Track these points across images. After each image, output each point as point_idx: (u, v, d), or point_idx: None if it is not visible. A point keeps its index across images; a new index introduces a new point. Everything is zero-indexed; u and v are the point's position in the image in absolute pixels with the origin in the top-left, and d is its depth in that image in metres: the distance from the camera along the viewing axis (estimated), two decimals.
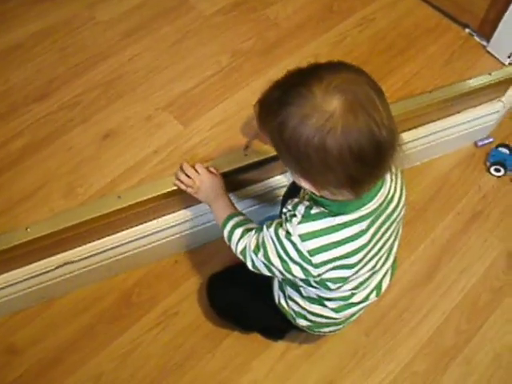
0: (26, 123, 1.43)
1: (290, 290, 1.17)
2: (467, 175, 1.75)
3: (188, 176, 1.27)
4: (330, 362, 1.42)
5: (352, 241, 0.95)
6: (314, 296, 1.11)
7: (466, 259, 1.59)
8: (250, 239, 1.07)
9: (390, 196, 0.99)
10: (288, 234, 0.95)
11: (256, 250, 1.04)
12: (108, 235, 1.39)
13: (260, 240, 1.03)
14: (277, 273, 1.03)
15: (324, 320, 1.17)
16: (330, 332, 1.25)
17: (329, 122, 0.76)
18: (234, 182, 1.37)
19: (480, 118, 1.69)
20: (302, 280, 1.03)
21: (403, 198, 1.04)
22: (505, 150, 1.77)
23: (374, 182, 0.90)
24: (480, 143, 1.79)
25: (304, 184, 0.89)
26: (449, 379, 1.42)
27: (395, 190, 1.00)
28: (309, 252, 0.94)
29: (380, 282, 1.16)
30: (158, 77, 1.52)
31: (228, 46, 1.60)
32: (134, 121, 1.44)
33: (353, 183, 0.83)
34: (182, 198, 1.36)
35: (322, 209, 0.94)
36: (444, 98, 1.52)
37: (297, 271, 0.98)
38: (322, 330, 1.23)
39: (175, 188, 1.30)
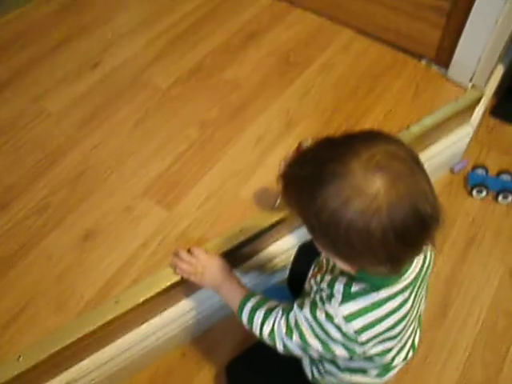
0: None
1: (326, 365, 1.09)
2: (451, 203, 1.74)
3: (188, 263, 1.18)
4: None
5: (396, 312, 0.90)
6: (354, 367, 1.04)
7: (472, 288, 1.56)
8: (278, 321, 0.99)
9: (424, 258, 0.95)
10: (329, 316, 0.88)
11: (289, 333, 0.95)
12: (109, 343, 1.26)
13: (292, 322, 0.95)
14: (314, 354, 0.96)
15: None
16: None
17: (373, 204, 0.71)
18: (233, 259, 1.28)
19: (453, 145, 1.69)
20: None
21: (432, 252, 0.99)
22: (481, 171, 1.78)
23: (414, 258, 0.87)
24: (456, 169, 1.79)
25: (339, 263, 0.83)
26: None
27: (426, 252, 0.96)
28: (355, 332, 0.87)
29: (414, 339, 1.11)
30: (127, 163, 1.43)
31: (194, 117, 1.53)
32: (113, 215, 1.33)
33: (393, 262, 0.78)
34: (183, 288, 1.27)
35: (362, 285, 0.87)
36: (421, 133, 1.51)
37: (340, 351, 0.91)
38: None
39: (175, 280, 1.21)
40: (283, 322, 0.98)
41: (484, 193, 1.73)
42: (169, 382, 1.38)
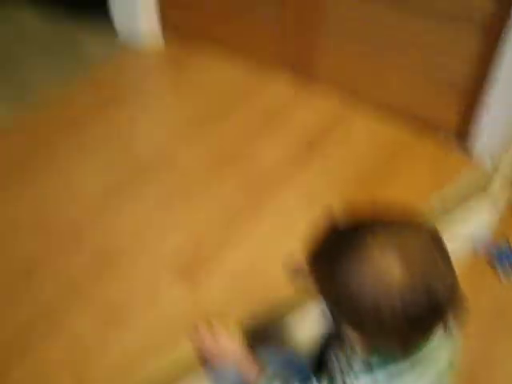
0: None
1: None
2: (476, 282, 1.68)
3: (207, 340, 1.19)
4: None
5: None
6: None
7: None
8: None
9: (448, 333, 0.91)
10: None
11: None
12: None
13: None
14: None
15: None
16: None
17: (386, 287, 0.74)
18: (252, 336, 1.27)
19: (477, 224, 1.69)
20: None
21: (459, 335, 0.95)
22: (508, 251, 1.73)
23: (425, 340, 0.85)
24: (481, 250, 1.75)
25: (352, 338, 0.84)
26: None
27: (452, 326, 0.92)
28: None
29: None
30: (151, 236, 1.46)
31: (217, 199, 1.56)
32: (135, 292, 1.34)
33: (403, 342, 0.81)
34: (200, 365, 1.23)
35: (380, 357, 0.86)
36: (442, 210, 1.52)
37: None
38: None
39: (194, 356, 1.20)
40: None
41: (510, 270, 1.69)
42: None
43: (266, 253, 1.42)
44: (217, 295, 1.33)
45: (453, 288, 0.78)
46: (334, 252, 0.79)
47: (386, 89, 1.80)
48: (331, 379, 0.91)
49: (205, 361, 1.21)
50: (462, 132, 1.69)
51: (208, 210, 1.53)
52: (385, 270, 0.74)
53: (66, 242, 1.45)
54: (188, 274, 1.37)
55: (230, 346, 1.17)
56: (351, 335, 0.84)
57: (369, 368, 0.87)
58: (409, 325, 0.75)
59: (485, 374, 1.49)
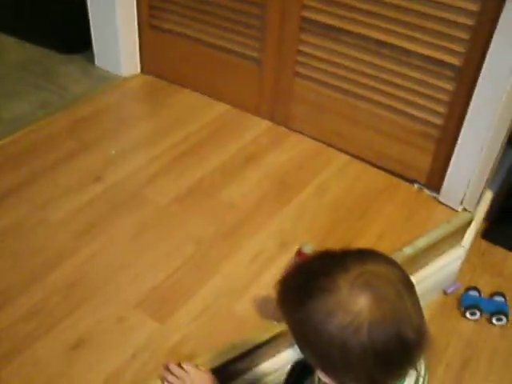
0: None
1: None
2: (445, 325, 1.72)
3: (176, 377, 1.16)
4: None
5: None
6: None
7: None
8: None
9: (417, 376, 0.91)
10: None
11: None
12: None
13: None
14: None
15: None
16: None
17: (354, 322, 0.72)
18: (224, 375, 1.25)
19: (445, 267, 1.72)
20: None
21: (427, 375, 0.95)
22: (474, 293, 1.78)
23: (395, 381, 0.83)
24: (449, 291, 1.79)
25: (322, 375, 0.82)
26: None
27: (421, 367, 0.92)
28: None
29: None
30: (123, 274, 1.43)
31: (190, 234, 1.56)
32: (105, 325, 1.32)
33: (372, 383, 0.78)
34: None
35: None
36: (413, 254, 1.54)
37: None
38: None
39: None
40: None
41: (477, 315, 1.72)
42: None
43: (240, 293, 1.41)
44: (189, 333, 1.31)
45: (421, 330, 0.76)
46: (302, 290, 0.78)
47: (363, 139, 1.83)
48: None
49: None
50: (435, 181, 1.72)
51: (181, 247, 1.52)
52: (354, 308, 0.72)
53: (37, 272, 1.43)
54: (159, 313, 1.35)
55: (201, 381, 1.14)
56: (322, 377, 0.82)
57: None
58: (378, 365, 0.73)
59: None
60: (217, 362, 1.24)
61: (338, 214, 1.66)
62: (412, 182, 1.78)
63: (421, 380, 0.93)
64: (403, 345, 0.73)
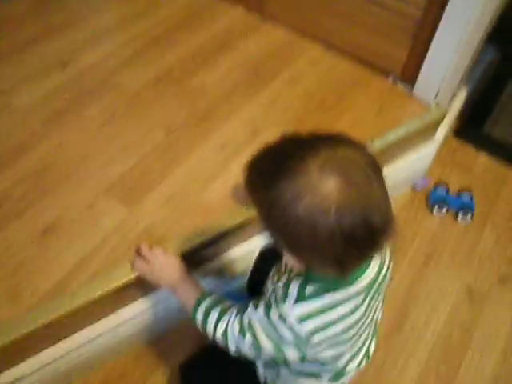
0: None
1: (279, 369, 1.09)
2: (412, 219, 1.78)
3: (146, 261, 1.18)
4: None
5: (349, 316, 0.91)
6: (307, 371, 1.04)
7: (430, 301, 1.59)
8: (232, 321, 0.99)
9: (381, 264, 0.95)
10: (282, 317, 0.89)
11: (242, 334, 0.96)
12: (62, 339, 1.25)
13: (245, 322, 0.96)
14: (266, 356, 0.96)
15: None
16: None
17: (322, 204, 0.72)
18: (192, 260, 1.27)
19: (416, 162, 1.73)
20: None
21: (391, 264, 1.00)
22: (442, 189, 1.82)
23: (360, 265, 0.86)
24: (418, 186, 1.83)
25: (289, 258, 0.84)
26: None
27: (385, 255, 0.97)
28: (306, 334, 0.88)
29: (368, 347, 1.12)
30: (91, 162, 1.42)
31: (160, 121, 1.54)
32: (74, 212, 1.32)
33: (339, 264, 0.78)
34: (141, 287, 1.26)
35: (317, 286, 0.88)
36: (384, 147, 1.54)
37: (292, 353, 0.92)
38: None
39: (133, 277, 1.20)
40: (237, 322, 0.98)
41: (444, 210, 1.77)
42: None
43: (209, 180, 1.41)
44: (157, 219, 1.32)
45: (387, 216, 0.76)
46: (271, 172, 0.77)
47: (338, 29, 1.78)
48: (267, 307, 0.92)
49: (145, 283, 1.21)
50: (409, 74, 1.69)
51: (151, 134, 1.50)
52: (323, 190, 0.72)
53: (3, 160, 1.41)
54: (129, 199, 1.35)
55: (169, 267, 1.15)
56: (289, 259, 0.84)
57: (304, 297, 0.88)
58: (344, 246, 0.74)
59: (414, 302, 1.59)
60: (185, 248, 1.26)
61: (310, 104, 1.64)
62: (387, 74, 1.75)
63: (384, 267, 0.97)
64: (369, 229, 0.74)
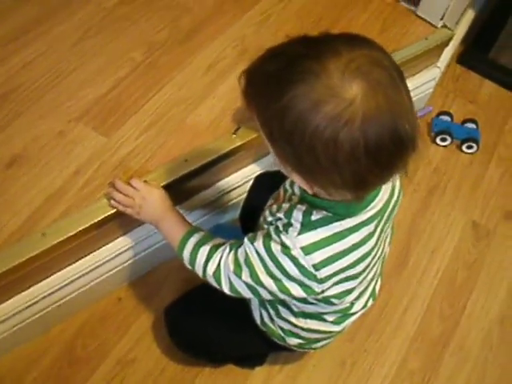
0: None
1: (278, 307, 0.97)
2: None
3: (125, 195, 1.04)
4: (320, 380, 1.24)
5: (360, 246, 0.79)
6: (310, 311, 0.93)
7: (433, 238, 1.49)
8: (226, 258, 0.87)
9: (392, 190, 0.84)
10: (285, 247, 0.77)
11: (237, 271, 0.84)
12: (37, 283, 1.12)
13: (241, 258, 0.83)
14: (265, 294, 0.84)
15: (321, 335, 1.00)
16: (322, 346, 1.07)
17: (347, 111, 0.60)
18: (177, 193, 1.15)
19: (419, 87, 1.59)
20: (297, 298, 0.85)
21: (402, 192, 0.89)
22: (446, 118, 1.69)
23: (380, 185, 0.75)
24: (420, 114, 1.69)
25: (296, 179, 0.71)
26: (445, 371, 1.30)
27: (395, 179, 0.83)
28: (314, 266, 0.76)
29: (375, 285, 1.01)
30: (63, 84, 1.26)
31: (139, 39, 1.37)
32: (44, 140, 1.17)
33: (358, 185, 0.67)
34: (119, 223, 1.13)
35: (324, 212, 0.76)
36: None
37: (296, 290, 0.80)
38: (315, 345, 1.05)
39: (110, 213, 1.07)
40: (231, 258, 0.86)
41: (448, 141, 1.64)
42: (103, 329, 1.24)
43: (194, 104, 1.27)
44: (138, 148, 1.18)
45: (415, 127, 0.65)
46: (283, 75, 0.64)
47: None
48: (267, 239, 0.80)
49: (123, 217, 1.08)
50: None
51: (129, 54, 1.34)
52: (347, 95, 0.60)
53: None
54: (104, 126, 1.21)
55: (151, 201, 1.02)
56: (299, 182, 0.72)
57: (309, 225, 0.76)
58: (368, 162, 0.63)
59: (417, 238, 1.48)
60: (168, 178, 1.12)
61: (306, 22, 1.49)
62: None
63: (396, 192, 0.86)
64: (398, 139, 0.63)
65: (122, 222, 1.13)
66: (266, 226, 0.84)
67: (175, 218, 1.00)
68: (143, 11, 1.44)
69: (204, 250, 0.90)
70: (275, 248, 0.78)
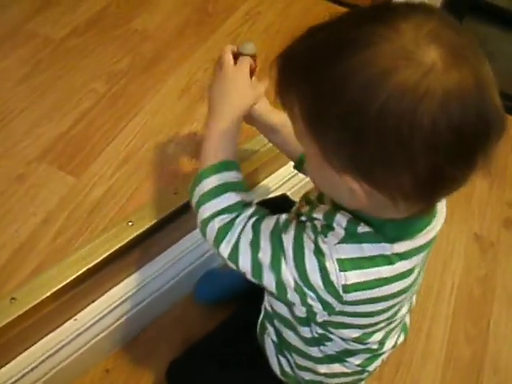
0: None
1: (295, 355, 0.79)
2: None
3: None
4: None
5: (406, 277, 0.63)
6: (331, 352, 0.75)
7: (440, 258, 1.36)
8: (244, 224, 0.67)
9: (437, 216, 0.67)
10: (319, 251, 0.59)
11: (253, 246, 0.64)
12: (8, 361, 0.90)
13: (264, 233, 0.64)
14: (271, 285, 0.64)
15: (347, 379, 0.81)
16: None
17: (425, 79, 0.46)
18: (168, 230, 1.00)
19: None
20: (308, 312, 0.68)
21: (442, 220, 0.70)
22: None
23: (453, 191, 0.55)
24: None
25: (348, 182, 0.53)
26: None
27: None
28: (344, 287, 0.59)
29: (405, 320, 0.85)
30: (14, 123, 1.10)
31: (97, 70, 1.23)
32: (1, 186, 0.99)
33: (432, 187, 0.52)
34: (103, 277, 0.94)
35: (368, 228, 0.59)
36: None
37: (312, 300, 0.62)
38: None
39: (92, 265, 0.89)
40: (251, 227, 0.66)
41: None
42: None
43: (173, 130, 1.12)
44: (114, 186, 1.02)
45: (501, 110, 0.50)
46: (337, 40, 0.50)
47: None
48: (300, 229, 0.62)
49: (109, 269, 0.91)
50: None
51: (89, 86, 1.20)
52: (425, 60, 0.47)
53: None
54: (71, 165, 1.04)
55: (244, 93, 0.81)
56: (343, 188, 0.54)
57: (355, 236, 0.59)
58: (449, 148, 0.48)
59: None
60: (158, 216, 0.96)
61: (275, 40, 1.38)
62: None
63: (442, 220, 0.68)
64: (485, 123, 0.48)
65: (107, 273, 0.94)
66: (306, 223, 0.64)
67: (230, 140, 0.75)
68: (97, 42, 1.31)
69: (230, 196, 0.69)
70: (308, 243, 0.60)
